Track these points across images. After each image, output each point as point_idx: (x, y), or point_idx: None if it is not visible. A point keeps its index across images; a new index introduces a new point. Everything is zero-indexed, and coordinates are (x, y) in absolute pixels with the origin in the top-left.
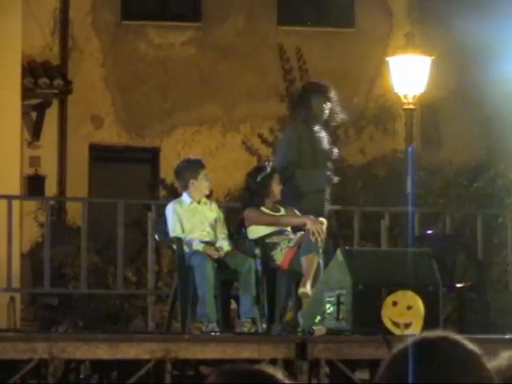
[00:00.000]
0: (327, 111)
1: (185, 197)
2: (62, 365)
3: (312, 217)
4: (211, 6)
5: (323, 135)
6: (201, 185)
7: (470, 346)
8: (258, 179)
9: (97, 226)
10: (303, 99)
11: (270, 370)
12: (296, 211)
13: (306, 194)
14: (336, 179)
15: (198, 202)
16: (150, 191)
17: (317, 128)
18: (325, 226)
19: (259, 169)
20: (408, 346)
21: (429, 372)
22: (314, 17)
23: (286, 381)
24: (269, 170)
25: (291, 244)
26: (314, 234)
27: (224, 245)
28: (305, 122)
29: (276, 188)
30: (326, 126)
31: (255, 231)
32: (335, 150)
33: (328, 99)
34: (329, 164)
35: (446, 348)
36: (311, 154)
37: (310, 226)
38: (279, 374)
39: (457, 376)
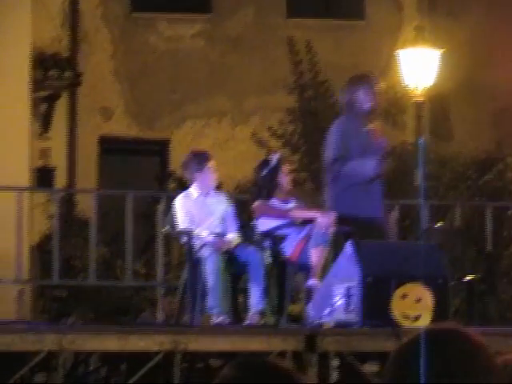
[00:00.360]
0: (373, 102)
1: (192, 189)
2: (71, 357)
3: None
4: None
5: (371, 127)
6: (207, 177)
7: (479, 338)
8: (264, 173)
9: (106, 218)
10: (348, 93)
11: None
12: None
13: (356, 186)
14: (386, 167)
15: (206, 195)
16: (159, 183)
17: (364, 120)
18: (333, 219)
19: (265, 162)
20: (414, 339)
21: (436, 365)
22: (323, 9)
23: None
24: (274, 162)
25: (300, 236)
26: (322, 226)
27: (233, 237)
28: (351, 115)
29: (284, 180)
30: (374, 117)
31: (265, 223)
32: (384, 141)
33: (373, 90)
34: (377, 155)
35: (454, 341)
36: (359, 147)
37: (318, 219)
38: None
39: (465, 369)
